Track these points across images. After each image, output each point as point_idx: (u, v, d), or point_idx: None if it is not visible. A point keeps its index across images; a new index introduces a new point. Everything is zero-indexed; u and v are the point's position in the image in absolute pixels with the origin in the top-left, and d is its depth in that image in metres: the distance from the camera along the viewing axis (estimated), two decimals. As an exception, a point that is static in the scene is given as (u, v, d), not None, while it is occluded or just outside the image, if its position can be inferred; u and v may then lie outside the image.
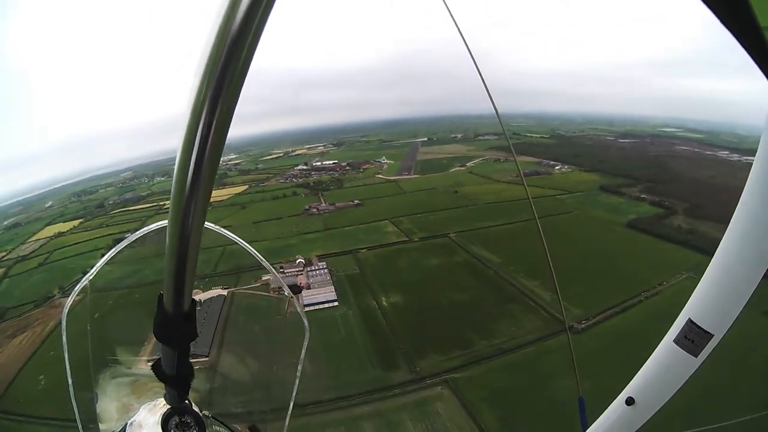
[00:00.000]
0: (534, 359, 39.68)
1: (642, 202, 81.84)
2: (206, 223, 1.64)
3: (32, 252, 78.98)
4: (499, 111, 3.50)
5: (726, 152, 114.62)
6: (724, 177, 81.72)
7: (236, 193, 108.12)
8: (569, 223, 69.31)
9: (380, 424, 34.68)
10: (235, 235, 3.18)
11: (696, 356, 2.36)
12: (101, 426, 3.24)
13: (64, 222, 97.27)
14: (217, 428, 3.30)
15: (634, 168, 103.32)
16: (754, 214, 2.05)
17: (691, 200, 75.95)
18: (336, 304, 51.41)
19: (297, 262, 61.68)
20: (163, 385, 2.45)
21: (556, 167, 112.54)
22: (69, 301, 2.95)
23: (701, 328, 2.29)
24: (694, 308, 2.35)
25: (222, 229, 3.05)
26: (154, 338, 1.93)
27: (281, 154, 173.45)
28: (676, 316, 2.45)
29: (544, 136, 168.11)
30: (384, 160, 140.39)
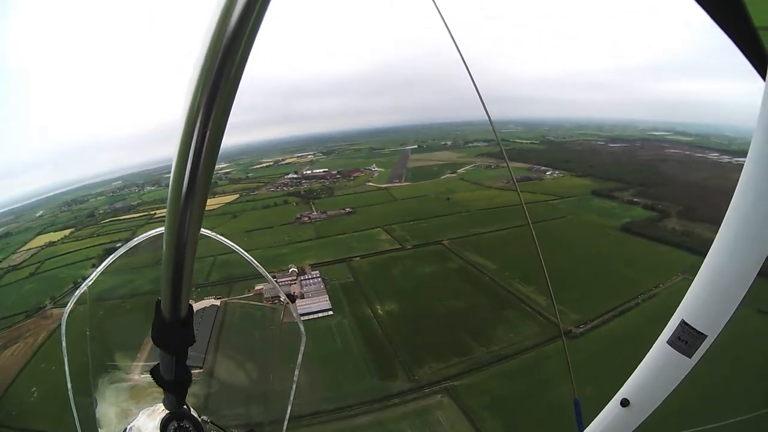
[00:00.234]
0: (533, 365, 39.50)
1: (635, 205, 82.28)
2: (202, 229, 1.65)
3: (23, 262, 78.25)
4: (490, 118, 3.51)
5: (716, 154, 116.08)
6: (716, 179, 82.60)
7: (227, 202, 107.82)
8: (563, 228, 69.51)
9: (382, 435, 34.48)
10: (226, 243, 3.20)
11: (690, 357, 2.36)
12: (101, 431, 3.25)
13: (55, 231, 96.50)
14: None
15: (625, 172, 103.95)
16: (746, 214, 2.06)
17: (684, 203, 76.48)
18: (331, 313, 50.91)
19: (290, 271, 61.26)
20: (161, 390, 2.47)
21: (547, 173, 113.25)
22: (68, 308, 2.98)
23: (695, 329, 2.30)
24: (687, 309, 2.36)
25: (218, 236, 3.10)
26: (152, 344, 1.97)
27: (271, 163, 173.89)
28: (673, 318, 2.46)
29: (534, 141, 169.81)
30: (374, 167, 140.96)
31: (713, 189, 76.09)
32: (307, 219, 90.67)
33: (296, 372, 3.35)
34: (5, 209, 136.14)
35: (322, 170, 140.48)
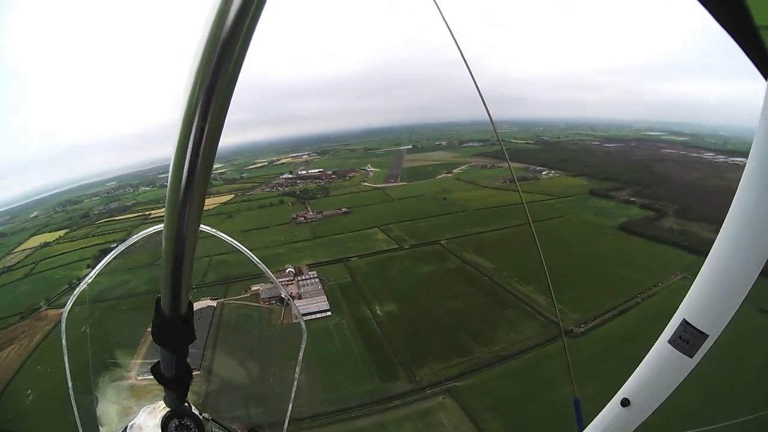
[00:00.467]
0: (535, 365, 39.32)
1: (632, 205, 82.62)
2: (203, 226, 1.66)
3: (18, 263, 78.21)
4: (484, 118, 3.51)
5: (711, 154, 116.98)
6: (712, 178, 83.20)
7: (222, 203, 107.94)
8: (560, 228, 69.61)
9: (384, 437, 34.32)
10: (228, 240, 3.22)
11: (691, 357, 2.34)
12: (102, 429, 3.27)
13: (49, 232, 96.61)
14: (217, 430, 3.34)
15: (621, 172, 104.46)
16: (749, 213, 2.05)
17: (681, 202, 76.85)
18: (329, 313, 50.63)
19: (287, 271, 60.97)
20: (162, 387, 2.48)
21: (543, 172, 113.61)
22: (68, 306, 2.99)
23: (696, 329, 2.28)
24: (688, 309, 2.34)
25: (219, 232, 3.13)
26: (152, 341, 1.97)
27: (266, 163, 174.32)
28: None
29: (529, 141, 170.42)
30: (369, 167, 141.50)
31: (709, 188, 76.66)
32: (303, 219, 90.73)
33: (297, 369, 3.37)
34: (0, 210, 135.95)
35: (317, 170, 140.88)
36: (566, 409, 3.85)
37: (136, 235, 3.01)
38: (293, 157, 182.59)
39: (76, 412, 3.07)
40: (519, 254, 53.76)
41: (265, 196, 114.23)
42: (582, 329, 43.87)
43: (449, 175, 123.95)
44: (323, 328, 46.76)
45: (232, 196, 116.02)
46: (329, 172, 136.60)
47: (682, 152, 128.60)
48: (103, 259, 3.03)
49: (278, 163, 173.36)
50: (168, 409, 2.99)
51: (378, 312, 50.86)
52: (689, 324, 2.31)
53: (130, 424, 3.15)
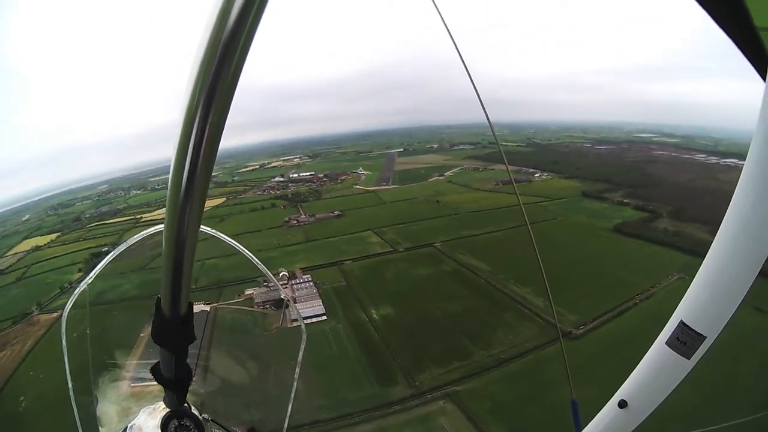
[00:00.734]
0: (534, 367, 39.16)
1: (625, 206, 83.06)
2: (202, 226, 1.66)
3: (9, 266, 77.75)
4: (475, 121, 3.51)
5: (703, 155, 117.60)
6: (705, 180, 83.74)
7: (214, 206, 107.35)
8: (555, 230, 69.71)
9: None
10: (225, 242, 3.26)
11: (689, 358, 2.34)
12: (102, 430, 3.27)
13: (41, 235, 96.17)
14: (217, 431, 3.32)
15: (613, 173, 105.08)
16: (746, 215, 2.05)
17: (674, 203, 77.41)
18: (324, 317, 50.20)
19: (280, 275, 60.53)
20: (162, 388, 2.48)
21: (536, 174, 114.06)
22: (68, 307, 2.97)
23: (693, 330, 2.28)
24: (686, 310, 2.34)
25: (219, 233, 3.17)
26: (152, 341, 1.98)
27: (257, 167, 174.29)
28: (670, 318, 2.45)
29: (521, 144, 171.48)
30: (361, 171, 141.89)
31: (702, 190, 77.16)
32: (295, 222, 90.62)
33: (297, 370, 3.37)
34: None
35: (308, 173, 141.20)
36: (566, 411, 3.84)
37: (135, 236, 3.01)
38: (284, 160, 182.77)
39: (76, 413, 3.04)
40: (514, 256, 53.83)
41: (257, 199, 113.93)
42: (581, 331, 43.90)
43: (441, 177, 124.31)
44: (319, 332, 46.21)
45: (224, 199, 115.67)
46: (321, 175, 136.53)
47: (674, 154, 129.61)
48: (101, 260, 3.03)
49: (269, 166, 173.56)
50: (168, 410, 2.97)
51: (374, 315, 50.55)
52: (686, 326, 2.31)
53: (129, 424, 3.14)
